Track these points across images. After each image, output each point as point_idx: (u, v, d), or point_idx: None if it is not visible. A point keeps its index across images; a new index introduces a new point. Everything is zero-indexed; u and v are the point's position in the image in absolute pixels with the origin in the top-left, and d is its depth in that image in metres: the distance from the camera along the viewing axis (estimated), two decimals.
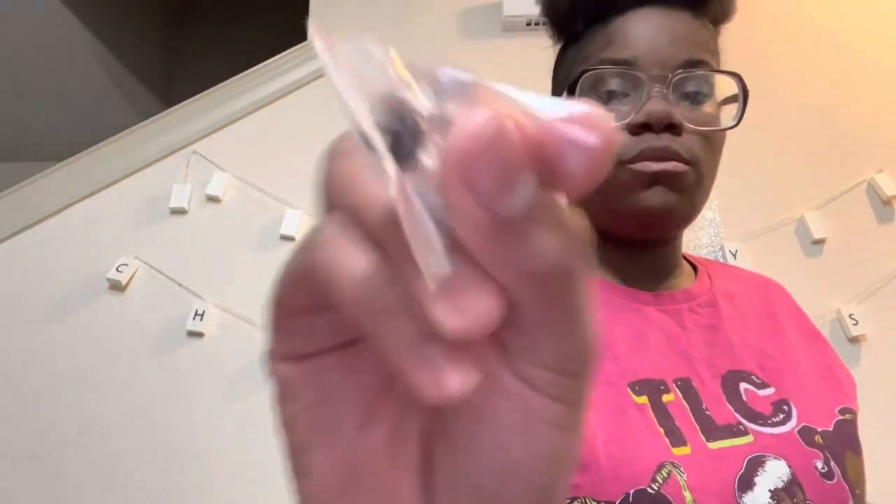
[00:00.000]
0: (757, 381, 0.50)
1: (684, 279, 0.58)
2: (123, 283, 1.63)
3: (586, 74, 0.54)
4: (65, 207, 1.74)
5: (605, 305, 0.54)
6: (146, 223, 1.73)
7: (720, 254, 1.66)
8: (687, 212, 0.54)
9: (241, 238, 1.71)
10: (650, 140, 0.52)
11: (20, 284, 1.66)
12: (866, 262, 1.65)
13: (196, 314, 1.59)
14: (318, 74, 1.91)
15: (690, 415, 0.47)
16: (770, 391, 0.50)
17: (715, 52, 0.61)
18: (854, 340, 1.57)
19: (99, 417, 1.53)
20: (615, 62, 0.54)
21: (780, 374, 0.52)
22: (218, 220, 1.73)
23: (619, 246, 0.56)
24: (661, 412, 0.46)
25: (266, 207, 1.73)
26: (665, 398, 0.47)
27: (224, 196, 1.75)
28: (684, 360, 0.50)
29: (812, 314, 1.67)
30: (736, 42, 2.21)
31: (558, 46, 0.65)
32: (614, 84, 0.54)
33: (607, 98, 0.54)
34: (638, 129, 0.52)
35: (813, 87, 1.87)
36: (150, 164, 1.79)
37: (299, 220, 1.70)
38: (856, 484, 0.49)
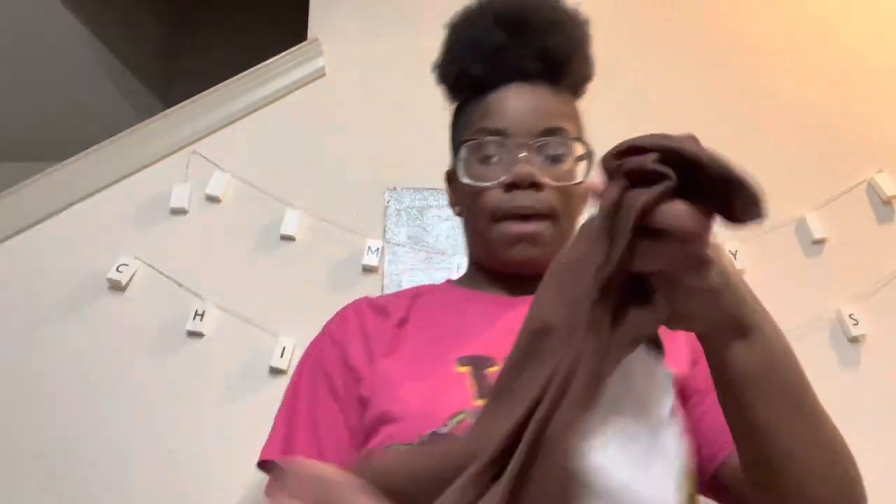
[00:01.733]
0: None
1: None
2: (123, 283, 1.63)
3: (467, 144, 0.70)
4: (65, 207, 1.74)
5: (470, 301, 0.71)
6: (146, 223, 1.73)
7: None
8: (548, 259, 0.64)
9: (241, 238, 1.71)
10: (517, 197, 0.66)
11: (20, 284, 1.66)
12: (866, 262, 1.65)
13: (196, 314, 1.59)
14: (319, 74, 1.91)
15: None
16: None
17: (572, 117, 0.73)
18: (854, 340, 1.57)
19: (99, 417, 1.53)
20: (490, 131, 0.69)
21: None
22: (218, 220, 1.73)
23: (496, 276, 0.73)
24: (480, 378, 0.60)
25: (266, 207, 1.72)
26: (489, 370, 0.61)
27: (224, 196, 1.75)
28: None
29: (812, 314, 1.68)
30: (736, 42, 2.22)
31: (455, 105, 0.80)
32: (490, 150, 0.69)
33: (485, 161, 0.69)
34: (508, 187, 0.67)
35: (813, 87, 1.87)
36: (150, 164, 1.79)
37: (299, 220, 1.70)
38: None
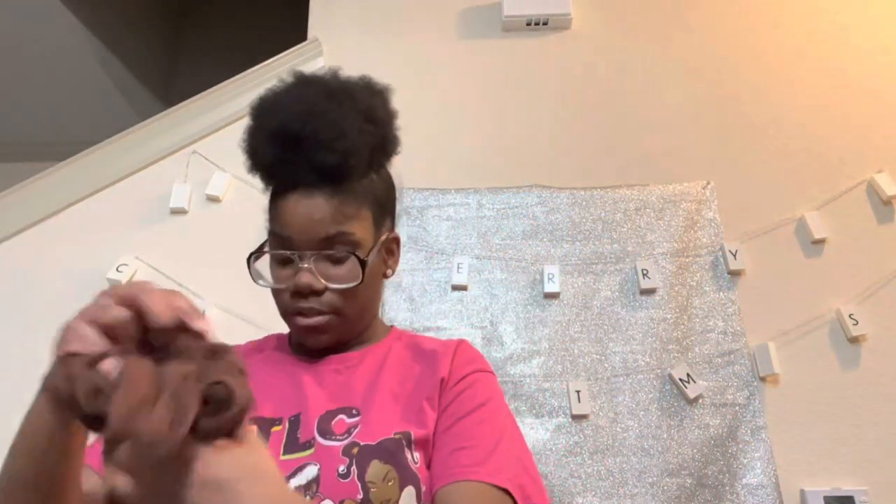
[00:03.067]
0: (354, 412, 0.70)
1: (355, 349, 0.80)
2: (123, 283, 1.63)
3: (262, 252, 0.78)
4: (65, 207, 1.74)
5: (272, 366, 0.79)
6: (146, 223, 1.73)
7: (720, 254, 1.66)
8: (342, 338, 0.77)
9: (241, 238, 1.71)
10: (300, 302, 0.74)
11: (20, 284, 1.66)
12: (866, 262, 1.65)
13: None
14: None
15: (284, 437, 0.69)
16: (356, 419, 0.69)
17: (354, 217, 0.76)
18: (854, 340, 1.57)
19: None
20: (278, 237, 0.76)
21: (371, 410, 0.71)
22: (218, 220, 1.73)
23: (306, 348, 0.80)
24: (265, 437, 0.68)
25: (266, 207, 1.72)
26: (274, 429, 0.69)
27: (224, 196, 1.75)
28: (304, 402, 0.72)
29: (812, 314, 1.68)
30: (736, 42, 2.22)
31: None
32: (279, 257, 0.76)
33: (278, 265, 0.76)
34: (294, 293, 0.74)
35: (813, 87, 1.87)
36: (150, 164, 1.79)
37: None
38: (371, 483, 0.64)
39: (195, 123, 1.83)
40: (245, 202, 1.75)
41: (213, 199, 1.75)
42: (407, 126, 1.97)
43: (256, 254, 0.79)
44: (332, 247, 0.74)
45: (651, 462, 1.47)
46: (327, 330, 0.75)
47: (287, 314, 0.77)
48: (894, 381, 1.55)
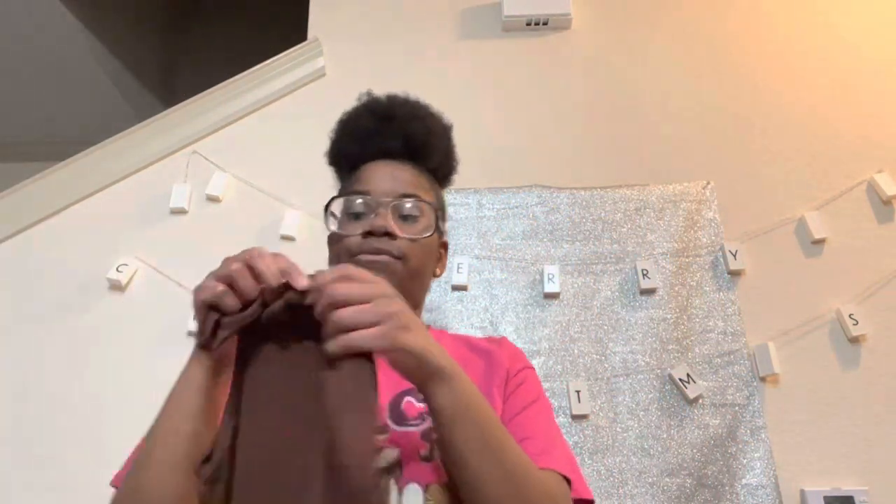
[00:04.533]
0: (420, 396, 0.72)
1: None
2: (123, 283, 1.63)
3: (335, 199, 0.86)
4: (65, 207, 1.74)
5: None
6: (146, 223, 1.73)
7: (720, 254, 1.66)
8: (398, 289, 0.80)
9: (241, 238, 1.71)
10: (372, 241, 0.79)
11: (20, 284, 1.66)
12: (866, 262, 1.65)
13: None
14: (319, 74, 1.91)
15: None
16: (424, 405, 0.72)
17: (428, 190, 0.87)
18: (854, 340, 1.57)
19: (99, 417, 1.53)
20: (357, 192, 0.84)
21: None
22: (218, 220, 1.73)
23: None
24: None
25: (266, 207, 1.73)
26: None
27: (224, 196, 1.75)
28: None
29: (812, 314, 1.68)
30: (737, 43, 2.22)
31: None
32: (356, 207, 0.83)
33: (354, 217, 0.83)
34: (367, 234, 0.79)
35: (813, 87, 1.87)
36: (150, 164, 1.79)
37: (299, 220, 1.70)
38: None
39: (195, 123, 1.83)
40: (245, 202, 1.75)
41: (213, 199, 1.75)
42: None
43: (337, 197, 0.86)
44: (407, 203, 0.82)
45: (651, 462, 1.47)
46: (388, 270, 0.78)
47: (351, 255, 0.80)
48: (894, 381, 1.54)
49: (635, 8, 2.00)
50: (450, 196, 1.73)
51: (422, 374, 0.58)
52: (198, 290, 0.61)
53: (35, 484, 1.48)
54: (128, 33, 3.06)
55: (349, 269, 0.56)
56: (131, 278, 1.65)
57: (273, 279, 0.55)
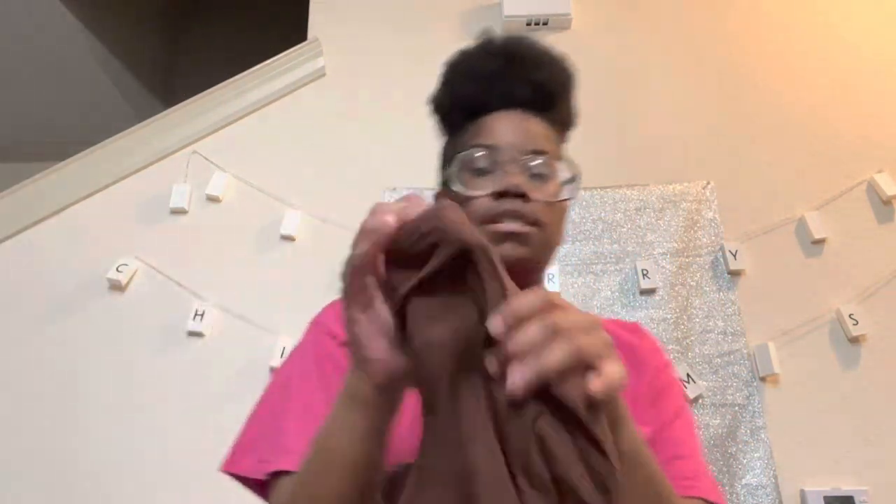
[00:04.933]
0: None
1: None
2: (123, 283, 1.63)
3: (460, 155, 0.72)
4: (65, 207, 1.74)
5: None
6: (146, 223, 1.73)
7: (720, 254, 1.66)
8: (534, 262, 0.71)
9: (241, 238, 1.71)
10: (505, 204, 0.68)
11: (20, 284, 1.66)
12: (866, 262, 1.65)
13: (196, 314, 1.59)
14: (319, 74, 1.91)
15: None
16: None
17: (557, 146, 0.77)
18: (854, 340, 1.57)
19: (99, 417, 1.53)
20: (482, 147, 0.72)
21: None
22: (218, 220, 1.73)
23: None
24: None
25: (266, 207, 1.72)
26: None
27: (224, 196, 1.75)
28: None
29: (812, 314, 1.68)
30: (737, 43, 2.22)
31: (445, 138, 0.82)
32: (480, 163, 0.71)
33: (477, 174, 0.71)
34: (497, 196, 0.68)
35: (813, 87, 1.87)
36: (150, 164, 1.79)
37: (299, 220, 1.70)
38: None
39: (195, 123, 1.83)
40: (245, 202, 1.75)
41: (213, 199, 1.75)
42: (406, 126, 1.97)
43: (463, 152, 0.73)
44: (536, 163, 0.71)
45: None
46: (528, 241, 0.69)
47: (484, 221, 0.69)
48: (894, 381, 1.54)
49: (635, 8, 2.00)
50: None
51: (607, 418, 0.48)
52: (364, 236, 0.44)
53: (34, 482, 1.48)
54: (128, 33, 3.06)
55: (547, 296, 0.42)
56: (131, 278, 1.65)
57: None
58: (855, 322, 1.56)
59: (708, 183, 1.74)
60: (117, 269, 1.63)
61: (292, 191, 1.73)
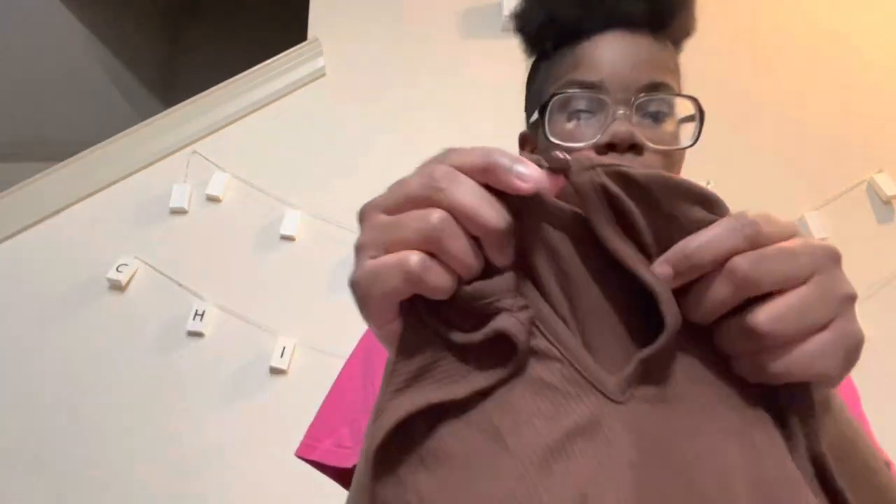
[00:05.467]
0: None
1: None
2: (123, 283, 1.63)
3: (556, 98, 0.59)
4: (65, 207, 1.74)
5: None
6: (146, 223, 1.73)
7: None
8: None
9: (241, 238, 1.71)
10: (614, 160, 0.53)
11: (20, 284, 1.66)
12: (866, 262, 1.65)
13: (196, 314, 1.59)
14: (319, 74, 1.91)
15: None
16: None
17: (675, 72, 0.64)
18: None
19: (99, 417, 1.53)
20: (583, 84, 0.58)
21: None
22: (218, 220, 1.73)
23: None
24: None
25: (266, 207, 1.73)
26: None
27: (224, 196, 1.75)
28: None
29: None
30: (737, 43, 2.22)
31: (531, 60, 0.69)
32: (581, 105, 0.58)
33: (576, 119, 0.59)
34: (603, 149, 0.56)
35: (813, 87, 1.87)
36: (150, 164, 1.79)
37: (299, 220, 1.70)
38: None
39: (195, 123, 1.83)
40: (245, 202, 1.75)
41: (213, 199, 1.75)
42: (406, 126, 1.97)
43: (558, 94, 0.58)
44: (652, 101, 0.58)
45: None
46: None
47: None
48: (894, 381, 1.54)
49: None
50: None
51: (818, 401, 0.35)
52: (370, 271, 0.31)
53: (34, 485, 1.48)
54: (128, 33, 3.06)
55: (752, 219, 0.32)
56: (131, 278, 1.65)
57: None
58: None
59: (708, 182, 1.74)
60: (117, 269, 1.63)
61: (292, 191, 1.73)
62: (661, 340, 0.31)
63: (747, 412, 0.31)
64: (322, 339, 1.54)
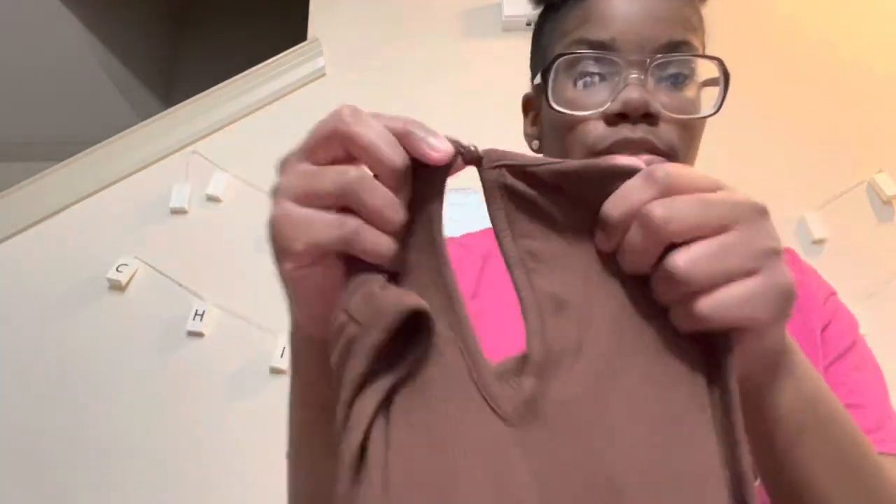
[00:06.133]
0: None
1: None
2: (123, 283, 1.63)
3: (560, 59, 0.53)
4: (65, 207, 1.74)
5: None
6: (146, 223, 1.73)
7: None
8: None
9: (241, 238, 1.71)
10: (625, 131, 0.50)
11: (20, 284, 1.66)
12: (866, 262, 1.65)
13: (196, 314, 1.59)
14: (319, 74, 1.91)
15: None
16: None
17: (699, 29, 0.57)
18: None
19: (99, 417, 1.53)
20: (591, 44, 0.52)
21: None
22: (218, 220, 1.73)
23: None
24: None
25: (266, 207, 1.72)
26: None
27: (224, 196, 1.75)
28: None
29: None
30: (736, 43, 2.22)
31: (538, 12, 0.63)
32: (590, 67, 0.52)
33: (584, 83, 0.53)
34: (614, 118, 0.51)
35: (813, 87, 1.87)
36: (150, 164, 1.79)
37: None
38: None
39: (195, 123, 1.83)
40: (245, 202, 1.75)
41: (213, 199, 1.75)
42: None
43: (564, 55, 0.52)
44: (671, 62, 0.51)
45: None
46: None
47: (593, 153, 0.51)
48: (894, 381, 1.54)
49: None
50: (450, 196, 1.72)
51: (767, 363, 0.34)
52: (290, 228, 0.32)
53: (32, 484, 1.48)
54: (128, 33, 3.06)
55: (665, 168, 0.31)
56: (131, 278, 1.65)
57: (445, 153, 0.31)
58: None
59: None
60: (117, 269, 1.63)
61: None
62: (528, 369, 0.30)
63: (690, 390, 0.30)
64: None
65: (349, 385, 0.29)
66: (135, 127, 1.83)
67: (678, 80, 0.53)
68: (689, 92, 0.54)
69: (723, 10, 2.19)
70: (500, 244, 0.32)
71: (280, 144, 1.67)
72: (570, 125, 0.52)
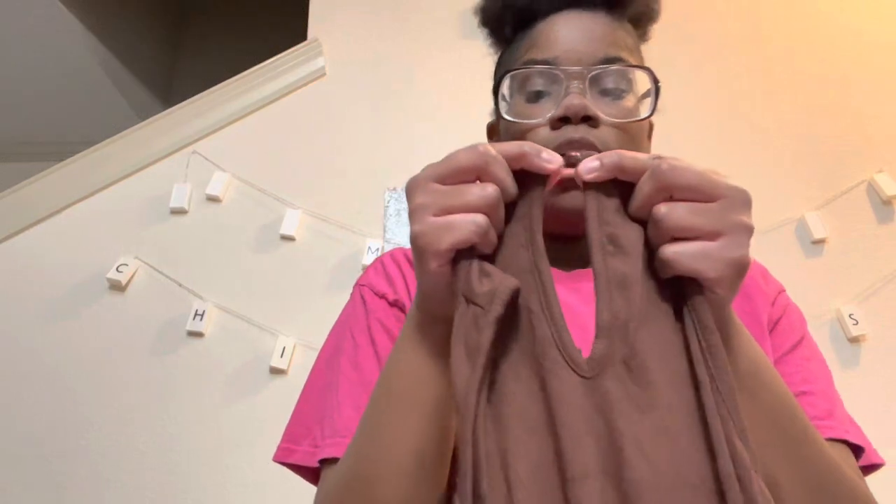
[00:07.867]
0: None
1: None
2: (123, 283, 1.63)
3: (509, 74, 0.61)
4: (65, 207, 1.74)
5: None
6: (146, 223, 1.73)
7: None
8: None
9: (241, 238, 1.71)
10: (568, 132, 0.56)
11: (20, 284, 1.66)
12: (866, 262, 1.65)
13: (196, 314, 1.59)
14: (319, 74, 1.91)
15: None
16: None
17: (633, 50, 0.65)
18: (854, 340, 1.57)
19: (99, 417, 1.53)
20: (537, 62, 0.59)
21: None
22: (218, 220, 1.73)
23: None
24: None
25: (266, 207, 1.73)
26: None
27: (224, 196, 1.75)
28: (579, 332, 0.50)
29: (812, 314, 1.67)
30: (736, 42, 2.22)
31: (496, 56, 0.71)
32: (538, 84, 0.59)
33: (533, 98, 0.60)
34: (557, 123, 0.57)
35: (813, 87, 1.87)
36: (150, 164, 1.79)
37: (299, 220, 1.70)
38: None
39: (195, 123, 1.83)
40: (245, 202, 1.75)
41: (213, 199, 1.75)
42: (407, 126, 1.97)
43: (512, 72, 0.61)
44: (606, 75, 0.58)
45: None
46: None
47: None
48: (894, 381, 1.54)
49: None
50: None
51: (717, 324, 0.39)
52: (434, 232, 0.39)
53: (33, 484, 1.48)
54: (128, 33, 3.05)
55: (668, 160, 0.39)
56: (131, 278, 1.65)
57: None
58: (855, 322, 1.56)
59: None
60: (117, 269, 1.63)
61: (292, 191, 1.73)
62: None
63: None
64: (322, 338, 1.53)
65: (482, 350, 0.37)
66: (135, 127, 1.83)
67: (617, 94, 0.60)
68: (628, 103, 0.61)
69: (723, 10, 2.19)
70: (588, 227, 0.40)
71: (280, 144, 1.68)
72: (522, 134, 0.59)
